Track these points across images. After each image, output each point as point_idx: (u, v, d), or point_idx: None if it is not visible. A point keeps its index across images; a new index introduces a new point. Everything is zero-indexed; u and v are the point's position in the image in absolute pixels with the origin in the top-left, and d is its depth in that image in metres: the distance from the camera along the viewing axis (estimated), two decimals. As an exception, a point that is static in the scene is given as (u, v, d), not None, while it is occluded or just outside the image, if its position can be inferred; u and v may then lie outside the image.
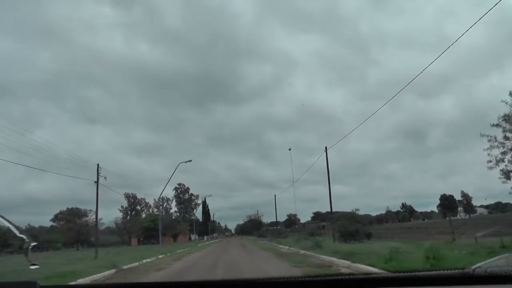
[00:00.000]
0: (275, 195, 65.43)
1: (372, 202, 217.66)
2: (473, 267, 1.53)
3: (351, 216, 30.25)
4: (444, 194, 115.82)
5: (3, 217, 2.11)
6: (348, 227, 27.84)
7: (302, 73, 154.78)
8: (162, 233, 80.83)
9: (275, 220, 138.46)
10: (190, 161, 35.00)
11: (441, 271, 1.53)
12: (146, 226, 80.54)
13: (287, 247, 27.65)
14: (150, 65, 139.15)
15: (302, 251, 21.43)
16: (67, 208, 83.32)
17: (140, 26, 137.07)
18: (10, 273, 16.21)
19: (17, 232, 2.14)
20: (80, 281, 12.75)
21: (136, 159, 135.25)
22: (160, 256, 26.83)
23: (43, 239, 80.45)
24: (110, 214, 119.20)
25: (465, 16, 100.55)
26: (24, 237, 2.10)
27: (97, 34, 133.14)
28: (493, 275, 1.44)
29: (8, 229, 2.12)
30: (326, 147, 30.28)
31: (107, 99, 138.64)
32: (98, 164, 31.18)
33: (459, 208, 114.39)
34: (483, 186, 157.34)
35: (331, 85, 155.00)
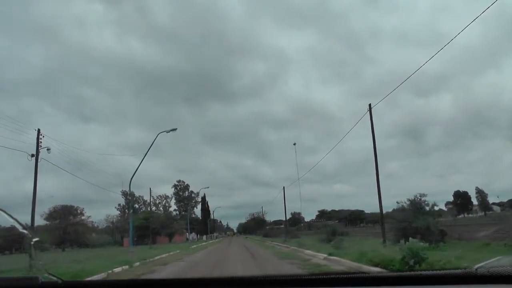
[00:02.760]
0: (283, 187, 54.68)
1: (373, 201, 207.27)
2: (476, 266, 1.47)
3: (414, 206, 19.11)
4: (458, 191, 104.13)
5: (5, 212, 1.94)
6: (412, 222, 16.36)
7: (298, 71, 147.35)
8: (154, 233, 69.72)
9: (278, 218, 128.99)
10: (174, 130, 24.08)
11: (444, 270, 1.47)
12: (139, 225, 68.94)
13: (322, 255, 16.06)
14: (144, 63, 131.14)
15: (372, 268, 9.88)
16: (61, 205, 72.39)
17: (132, 24, 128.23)
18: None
19: (20, 228, 1.99)
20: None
21: (132, 157, 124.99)
22: (117, 270, 15.18)
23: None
24: (108, 213, 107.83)
25: (461, 13, 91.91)
26: (27, 232, 1.99)
27: (89, 32, 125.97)
28: (496, 275, 1.37)
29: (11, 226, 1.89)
30: (370, 105, 19.28)
31: (101, 97, 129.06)
32: (38, 130, 19.99)
33: (474, 206, 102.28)
34: (489, 184, 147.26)
35: (327, 83, 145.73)
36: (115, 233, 76.34)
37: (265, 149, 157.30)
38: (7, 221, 1.88)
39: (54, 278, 1.80)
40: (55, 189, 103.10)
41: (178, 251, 31.12)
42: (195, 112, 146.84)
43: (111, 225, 77.40)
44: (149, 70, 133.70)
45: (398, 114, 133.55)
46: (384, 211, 22.14)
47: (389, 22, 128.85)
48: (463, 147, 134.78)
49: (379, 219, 25.43)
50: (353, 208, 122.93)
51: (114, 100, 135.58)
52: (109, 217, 78.09)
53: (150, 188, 50.06)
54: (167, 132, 25.72)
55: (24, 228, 1.96)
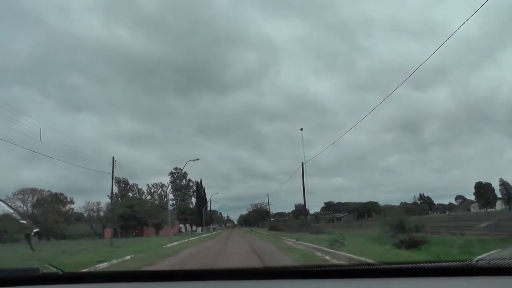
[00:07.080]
0: (302, 163, 42.41)
1: (377, 194, 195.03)
2: (476, 258, 1.42)
3: None
4: (480, 182, 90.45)
5: (4, 202, 1.90)
6: None
7: (291, 61, 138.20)
8: (141, 223, 56.25)
9: (280, 211, 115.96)
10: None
11: (445, 262, 1.42)
12: (122, 213, 54.74)
13: None
14: (134, 52, 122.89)
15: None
16: (30, 188, 59.20)
17: (119, 12, 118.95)
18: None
19: (19, 218, 1.95)
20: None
21: (126, 148, 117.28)
22: None
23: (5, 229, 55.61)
24: (88, 200, 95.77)
25: (457, 3, 78.05)
26: (26, 222, 1.93)
27: (76, 19, 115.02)
28: (496, 267, 1.33)
29: (8, 215, 1.93)
30: None
31: (91, 86, 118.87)
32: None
33: (497, 200, 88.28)
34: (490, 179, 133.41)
35: (322, 74, 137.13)
36: (93, 223, 62.56)
37: (261, 141, 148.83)
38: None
39: (55, 269, 1.75)
40: (50, 178, 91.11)
41: (128, 257, 17.26)
42: (188, 103, 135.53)
43: (92, 214, 63.66)
44: (139, 60, 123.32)
45: (399, 106, 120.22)
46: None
47: (382, 11, 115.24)
48: (462, 142, 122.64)
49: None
50: (354, 201, 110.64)
51: (104, 90, 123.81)
52: (89, 204, 64.03)
53: (113, 157, 35.17)
54: None
55: (23, 218, 1.91)
